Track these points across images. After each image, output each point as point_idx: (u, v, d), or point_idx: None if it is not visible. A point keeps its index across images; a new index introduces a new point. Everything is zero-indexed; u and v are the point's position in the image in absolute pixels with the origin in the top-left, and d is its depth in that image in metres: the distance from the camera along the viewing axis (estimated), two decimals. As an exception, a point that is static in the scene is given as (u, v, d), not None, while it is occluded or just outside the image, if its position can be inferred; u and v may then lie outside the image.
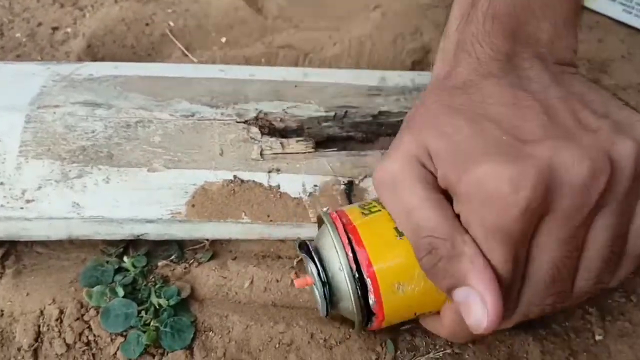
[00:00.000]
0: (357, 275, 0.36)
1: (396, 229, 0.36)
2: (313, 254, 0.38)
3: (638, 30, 0.69)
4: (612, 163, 0.31)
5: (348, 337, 0.44)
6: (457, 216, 0.33)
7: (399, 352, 0.44)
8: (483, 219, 0.31)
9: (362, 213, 0.39)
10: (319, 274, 0.38)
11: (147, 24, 0.68)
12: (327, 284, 0.38)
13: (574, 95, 0.35)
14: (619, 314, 0.47)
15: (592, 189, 0.31)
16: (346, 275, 0.36)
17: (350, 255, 0.36)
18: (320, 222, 0.41)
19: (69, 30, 0.68)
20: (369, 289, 0.36)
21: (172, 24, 0.68)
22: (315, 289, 0.39)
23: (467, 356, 0.44)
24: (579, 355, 0.45)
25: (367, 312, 0.38)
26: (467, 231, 0.33)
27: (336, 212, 0.40)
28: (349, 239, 0.37)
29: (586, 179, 0.30)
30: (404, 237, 0.36)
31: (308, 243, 0.40)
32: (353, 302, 0.37)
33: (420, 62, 0.66)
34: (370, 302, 0.37)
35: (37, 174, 0.48)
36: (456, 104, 0.35)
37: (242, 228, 0.48)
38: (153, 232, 0.48)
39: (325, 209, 0.42)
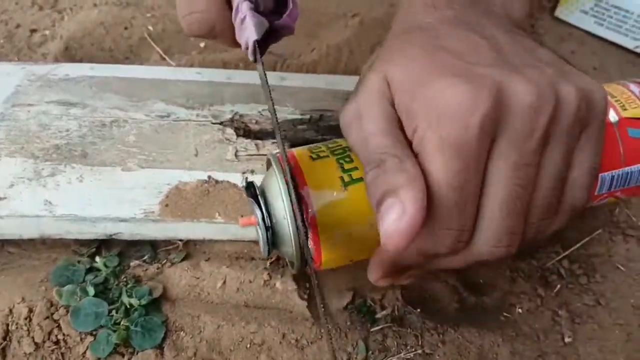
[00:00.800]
0: (300, 224, 0.36)
1: (342, 178, 0.37)
2: (259, 197, 0.38)
3: (610, 43, 0.71)
4: (557, 99, 0.32)
5: (320, 337, 0.44)
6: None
7: (370, 352, 0.44)
8: (437, 133, 0.32)
9: (311, 157, 0.39)
10: (263, 218, 0.37)
11: (125, 28, 0.68)
12: (270, 228, 0.38)
13: (523, 44, 0.37)
14: (588, 317, 0.48)
15: (540, 115, 0.32)
16: (289, 224, 0.36)
17: (295, 202, 0.36)
18: (268, 164, 0.41)
19: (47, 32, 0.68)
20: (308, 235, 0.37)
21: (151, 28, 0.68)
22: (259, 230, 0.39)
23: (437, 356, 0.44)
24: (549, 356, 0.46)
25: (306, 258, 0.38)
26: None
27: (285, 154, 0.39)
28: (295, 184, 0.37)
29: (534, 103, 0.32)
30: (349, 187, 0.37)
31: (255, 185, 0.39)
32: (294, 249, 0.37)
33: (397, 70, 0.66)
34: (310, 247, 0.37)
35: (9, 172, 0.47)
36: (414, 38, 0.37)
37: (216, 228, 0.48)
38: (126, 231, 0.48)
39: (274, 152, 0.41)
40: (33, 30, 0.68)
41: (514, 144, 0.32)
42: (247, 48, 0.39)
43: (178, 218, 0.48)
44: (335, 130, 0.55)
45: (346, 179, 0.37)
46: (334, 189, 0.37)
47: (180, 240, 0.51)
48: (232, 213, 0.48)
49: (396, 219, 0.31)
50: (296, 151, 0.39)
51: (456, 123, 0.31)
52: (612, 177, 0.41)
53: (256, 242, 0.51)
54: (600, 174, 0.41)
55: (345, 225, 0.37)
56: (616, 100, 0.42)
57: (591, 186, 0.36)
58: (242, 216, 0.41)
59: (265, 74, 0.39)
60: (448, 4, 0.39)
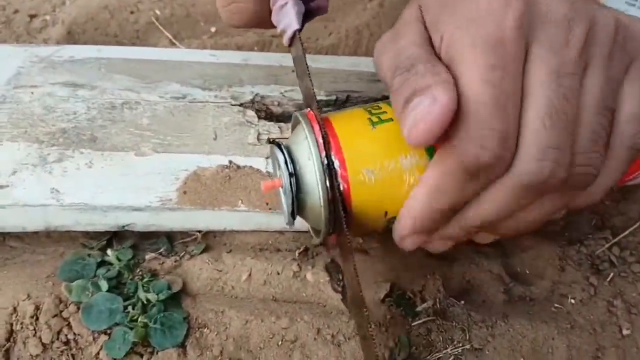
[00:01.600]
0: (325, 161, 0.33)
1: (370, 119, 0.35)
2: (282, 147, 0.35)
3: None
4: (593, 19, 0.32)
5: (357, 332, 0.40)
6: None
7: (414, 348, 0.40)
8: (469, 33, 0.31)
9: (337, 111, 0.37)
10: (286, 163, 0.34)
11: (131, 12, 0.64)
12: (295, 175, 0.34)
13: None
14: (645, 307, 0.44)
15: (575, 26, 0.31)
16: (315, 162, 0.33)
17: (321, 141, 0.34)
18: (294, 124, 0.38)
19: (47, 17, 0.64)
20: (337, 174, 0.34)
21: (158, 12, 0.64)
22: (282, 193, 0.36)
23: (487, 352, 0.40)
24: (608, 350, 0.42)
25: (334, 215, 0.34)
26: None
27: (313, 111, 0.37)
28: (321, 126, 0.34)
29: (568, 13, 0.31)
30: (377, 127, 0.34)
31: (280, 141, 0.37)
32: (320, 190, 0.33)
33: (420, 53, 0.63)
34: (340, 188, 0.34)
35: (12, 158, 0.43)
36: None
37: (239, 217, 0.44)
38: (140, 222, 0.44)
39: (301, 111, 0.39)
40: (32, 16, 0.64)
41: (553, 50, 0.31)
42: (283, 32, 0.39)
43: (197, 206, 0.44)
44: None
45: (374, 119, 0.35)
46: (362, 129, 0.35)
47: (199, 231, 0.47)
48: (255, 201, 0.44)
49: (425, 108, 0.29)
50: (327, 113, 0.37)
51: (489, 22, 0.30)
52: None
53: (281, 233, 0.47)
54: None
55: (376, 165, 0.34)
56: None
57: None
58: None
59: (305, 59, 0.38)
60: None
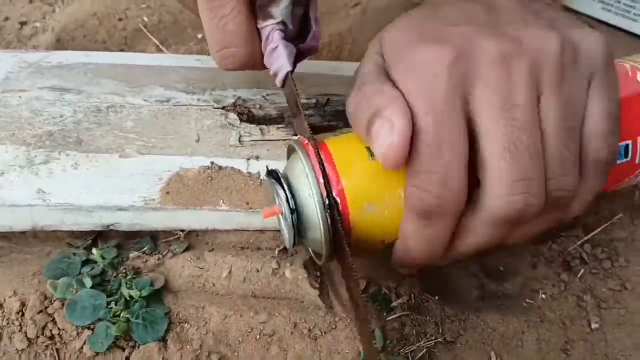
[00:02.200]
0: (327, 201, 0.34)
1: (368, 149, 0.36)
2: (282, 180, 0.36)
3: (618, 29, 0.69)
4: (532, 47, 0.33)
5: (334, 327, 0.42)
6: None
7: (388, 341, 0.42)
8: (413, 85, 0.33)
9: (334, 135, 0.38)
10: (287, 200, 0.35)
11: (120, 19, 0.66)
12: (296, 210, 0.36)
13: (529, 8, 0.37)
14: (615, 302, 0.46)
15: (510, 61, 0.32)
16: (316, 201, 0.34)
17: (322, 180, 0.35)
18: (290, 152, 0.39)
19: (37, 25, 0.65)
20: (338, 206, 0.35)
21: (146, 19, 0.66)
22: (282, 220, 0.37)
23: (459, 345, 0.42)
24: (576, 343, 0.43)
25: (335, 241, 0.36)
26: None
27: (307, 139, 0.38)
28: (320, 162, 0.35)
29: (500, 52, 0.32)
30: (377, 158, 0.34)
31: (277, 170, 0.38)
32: (322, 230, 0.34)
33: (402, 58, 0.64)
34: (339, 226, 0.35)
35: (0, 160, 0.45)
36: (413, 12, 0.38)
37: (221, 217, 0.46)
38: (124, 221, 0.45)
39: (296, 138, 0.40)
40: (23, 23, 0.65)
41: (496, 87, 0.32)
42: (275, 75, 0.40)
43: (180, 206, 0.45)
44: (342, 116, 0.53)
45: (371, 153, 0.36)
46: (361, 161, 0.35)
47: (182, 230, 0.48)
48: (237, 201, 0.46)
49: (388, 135, 0.31)
50: (318, 137, 0.38)
51: (425, 73, 0.32)
52: None
53: (262, 232, 0.48)
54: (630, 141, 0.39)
55: (376, 199, 0.35)
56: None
57: (612, 133, 0.34)
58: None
59: (299, 99, 0.39)
60: None
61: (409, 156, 0.32)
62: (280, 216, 0.37)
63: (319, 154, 0.35)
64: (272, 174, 0.37)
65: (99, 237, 0.48)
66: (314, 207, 0.34)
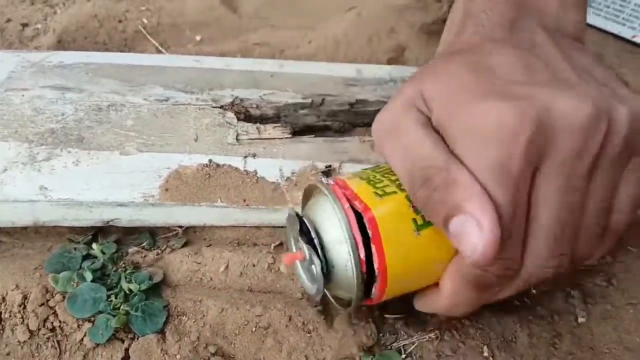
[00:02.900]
0: (363, 271, 0.34)
1: (414, 220, 0.34)
2: (308, 225, 0.35)
3: (607, 33, 0.70)
4: (609, 120, 0.30)
5: (328, 320, 0.43)
6: None
7: (381, 334, 0.43)
8: (481, 156, 0.30)
9: (376, 194, 0.34)
10: (321, 265, 0.34)
11: (120, 21, 0.67)
12: (325, 260, 0.35)
13: (578, 61, 0.34)
14: (601, 297, 0.47)
15: (591, 137, 0.30)
16: (354, 274, 0.33)
17: (358, 235, 0.33)
18: (310, 193, 0.38)
19: (39, 26, 0.67)
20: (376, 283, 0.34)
21: (145, 21, 0.67)
22: (304, 266, 0.37)
23: (453, 341, 0.43)
24: (564, 337, 0.44)
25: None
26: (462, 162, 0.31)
27: (336, 183, 0.36)
28: (358, 220, 0.34)
29: (585, 123, 0.30)
30: (421, 232, 0.34)
31: (304, 221, 0.36)
32: (355, 298, 0.34)
33: (396, 61, 0.66)
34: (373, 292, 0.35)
35: (2, 156, 0.46)
36: (456, 56, 0.35)
37: (218, 213, 0.47)
38: (124, 217, 0.47)
39: (323, 179, 0.38)
40: (24, 24, 0.67)
41: (561, 169, 0.31)
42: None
43: (178, 202, 0.46)
44: (336, 115, 0.54)
45: (419, 221, 0.34)
46: (407, 235, 0.34)
47: (180, 226, 0.49)
48: (234, 197, 0.47)
49: (477, 236, 0.29)
50: (351, 182, 0.36)
51: (498, 148, 0.30)
52: None
53: (259, 229, 0.49)
54: None
55: (414, 273, 0.35)
56: None
57: (635, 213, 0.35)
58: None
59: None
60: (498, 23, 0.36)
61: None
62: (300, 263, 0.37)
63: (349, 199, 0.34)
64: (297, 218, 0.36)
65: (99, 232, 0.49)
66: (346, 252, 0.33)
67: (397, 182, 0.35)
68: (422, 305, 0.39)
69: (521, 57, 0.33)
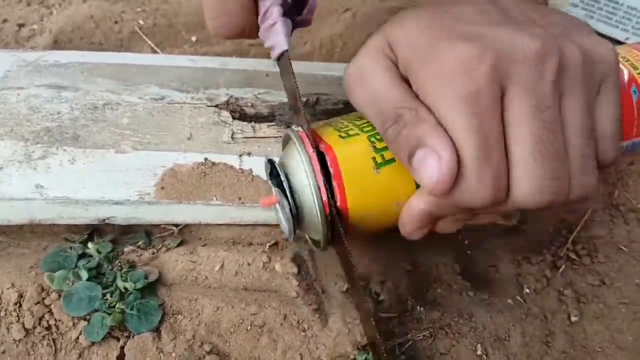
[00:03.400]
0: (325, 190, 0.35)
1: (374, 159, 0.36)
2: (279, 169, 0.37)
3: (599, 35, 0.71)
4: (561, 51, 0.33)
5: (322, 318, 0.43)
6: None
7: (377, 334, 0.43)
8: (447, 92, 0.32)
9: (340, 136, 0.37)
10: (285, 188, 0.37)
11: (115, 22, 0.67)
12: (293, 198, 0.37)
13: (534, 9, 0.37)
14: (594, 296, 0.47)
15: (546, 62, 0.33)
16: (312, 188, 0.35)
17: (318, 169, 0.35)
18: (286, 141, 0.40)
19: (35, 27, 0.67)
20: (337, 206, 0.36)
21: (141, 22, 0.67)
22: (280, 209, 0.38)
23: (447, 339, 0.43)
24: (557, 336, 0.45)
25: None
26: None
27: (305, 131, 0.38)
28: (316, 150, 0.36)
29: (539, 51, 0.32)
30: (381, 169, 0.36)
31: (274, 161, 0.39)
32: (318, 213, 0.36)
33: (391, 62, 0.66)
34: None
35: (-2, 155, 0.46)
36: (420, 8, 0.37)
37: (213, 211, 0.47)
38: (119, 215, 0.47)
39: (294, 127, 0.40)
40: (21, 25, 0.67)
41: (528, 89, 0.32)
42: (271, 49, 0.39)
43: (174, 200, 0.46)
44: (331, 114, 0.54)
45: (378, 159, 0.36)
46: (367, 171, 0.36)
47: (176, 225, 0.49)
48: (229, 196, 0.47)
49: (435, 167, 0.31)
50: (320, 129, 0.38)
51: (464, 77, 0.32)
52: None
53: (254, 228, 0.50)
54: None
55: (375, 205, 0.37)
56: (627, 61, 0.42)
57: (618, 136, 0.36)
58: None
59: (294, 75, 0.39)
60: None
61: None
62: (278, 206, 0.38)
63: (316, 144, 0.36)
64: (270, 164, 0.39)
65: (94, 232, 0.49)
66: (310, 195, 0.36)
67: (361, 126, 0.38)
68: (402, 219, 0.38)
69: (480, 5, 0.36)
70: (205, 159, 0.48)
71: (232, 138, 0.49)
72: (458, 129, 0.32)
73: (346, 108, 0.54)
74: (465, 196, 0.32)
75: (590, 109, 0.35)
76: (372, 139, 0.37)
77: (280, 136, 0.50)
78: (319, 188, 0.35)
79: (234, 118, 0.50)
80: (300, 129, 0.38)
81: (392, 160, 0.36)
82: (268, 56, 0.65)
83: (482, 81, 0.32)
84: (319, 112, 0.54)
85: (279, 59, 0.40)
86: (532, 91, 0.32)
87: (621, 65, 0.43)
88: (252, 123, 0.50)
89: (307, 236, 0.42)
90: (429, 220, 0.36)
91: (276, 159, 0.39)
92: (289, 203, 0.37)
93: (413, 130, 0.33)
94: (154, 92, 0.51)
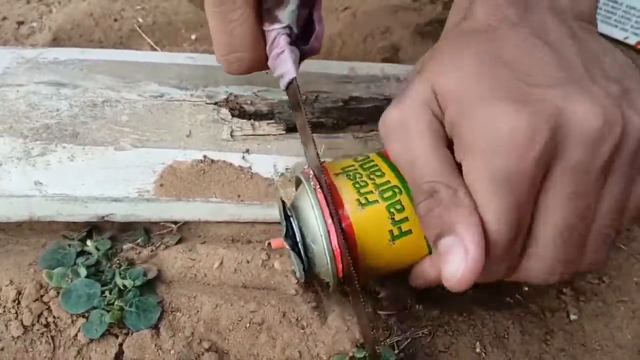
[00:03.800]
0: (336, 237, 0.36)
1: (391, 232, 0.36)
2: (290, 213, 0.38)
3: (600, 35, 0.71)
4: (622, 132, 0.30)
5: (321, 316, 0.43)
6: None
7: (374, 331, 0.43)
8: (490, 163, 0.30)
9: (359, 201, 0.37)
10: (294, 233, 0.38)
11: (115, 20, 0.67)
12: (303, 243, 0.38)
13: (589, 51, 0.34)
14: (593, 294, 0.47)
15: (605, 142, 0.30)
16: (322, 235, 0.36)
17: (329, 215, 0.36)
18: (298, 184, 0.40)
19: (34, 24, 0.67)
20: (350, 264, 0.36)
21: (141, 20, 0.67)
22: (292, 252, 0.38)
23: (446, 337, 0.43)
24: (556, 333, 0.45)
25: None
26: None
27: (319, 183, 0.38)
28: (327, 195, 0.36)
29: (599, 128, 0.29)
30: (397, 241, 0.36)
31: (286, 204, 0.39)
32: (328, 257, 0.36)
33: (390, 60, 0.66)
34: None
35: (-3, 152, 0.46)
36: (469, 45, 0.34)
37: (212, 208, 0.47)
38: (119, 212, 0.47)
39: (310, 175, 0.39)
40: (20, 22, 0.67)
41: (572, 174, 0.30)
42: (279, 77, 0.40)
43: (173, 197, 0.46)
44: (330, 112, 0.54)
45: (395, 232, 0.36)
46: (382, 242, 0.36)
47: (175, 222, 0.49)
48: (228, 193, 0.47)
49: (459, 262, 0.30)
50: (337, 180, 0.38)
51: (510, 155, 0.29)
52: None
53: (253, 226, 0.50)
54: None
55: (386, 270, 0.39)
56: None
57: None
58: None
59: (302, 103, 0.40)
60: (511, 2, 0.35)
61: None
62: (290, 248, 0.39)
63: (327, 189, 0.37)
64: (283, 207, 0.39)
65: (93, 229, 0.49)
66: (320, 240, 0.36)
67: (382, 191, 0.37)
68: (415, 277, 0.39)
69: (534, 46, 0.33)
70: (205, 156, 0.48)
71: (232, 135, 0.49)
72: (492, 211, 0.30)
73: (345, 106, 0.54)
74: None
75: (631, 184, 0.32)
76: (392, 209, 0.36)
77: (280, 134, 0.50)
78: (334, 255, 0.36)
79: (233, 116, 0.51)
80: (316, 180, 0.38)
81: (409, 232, 0.36)
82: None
83: (530, 164, 0.29)
84: (318, 109, 0.54)
85: (287, 87, 0.40)
86: (576, 176, 0.30)
87: None
88: (252, 121, 0.50)
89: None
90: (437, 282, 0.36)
91: (288, 202, 0.40)
92: (303, 262, 0.38)
93: (446, 213, 0.31)
94: (153, 89, 0.51)
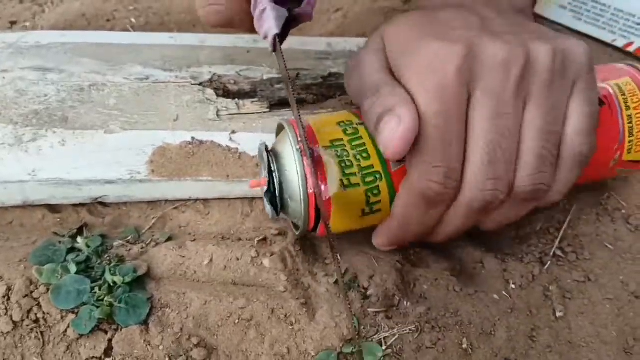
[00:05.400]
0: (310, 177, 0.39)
1: (363, 210, 0.41)
2: (270, 154, 0.41)
3: (587, 37, 0.72)
4: (529, 56, 0.36)
5: (310, 313, 0.43)
6: None
7: (362, 327, 0.43)
8: (421, 82, 0.36)
9: (342, 182, 0.40)
10: (272, 171, 0.40)
11: (108, 20, 0.67)
12: (280, 182, 0.40)
13: (514, 21, 0.41)
14: (579, 292, 0.48)
15: (511, 68, 0.36)
16: (299, 175, 0.39)
17: (307, 158, 0.38)
18: (280, 130, 0.43)
19: (27, 24, 0.67)
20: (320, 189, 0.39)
21: (133, 20, 0.68)
22: (267, 191, 0.41)
23: (433, 333, 0.43)
24: (542, 331, 0.45)
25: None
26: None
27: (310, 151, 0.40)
28: (307, 145, 0.39)
29: (504, 57, 0.36)
30: (366, 217, 0.42)
31: (266, 145, 0.42)
32: (302, 198, 0.39)
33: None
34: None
35: (-11, 139, 0.47)
36: (414, 13, 0.42)
37: (203, 187, 0.49)
38: (112, 194, 0.48)
39: (286, 118, 0.43)
40: (13, 22, 0.67)
41: (490, 94, 0.36)
42: (266, 38, 0.40)
43: (164, 178, 0.48)
44: (310, 89, 0.57)
45: (367, 210, 0.41)
46: (353, 216, 0.41)
47: (167, 201, 0.51)
48: (217, 172, 0.49)
49: (394, 128, 0.35)
50: (326, 158, 0.40)
51: (435, 71, 0.36)
52: None
53: (243, 223, 0.50)
54: None
55: (351, 231, 0.43)
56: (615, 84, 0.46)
57: (592, 130, 0.38)
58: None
59: (285, 65, 0.40)
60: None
61: (418, 149, 0.36)
62: (265, 188, 0.41)
63: (306, 139, 0.39)
64: (263, 147, 0.41)
65: (83, 226, 0.49)
66: (296, 180, 0.38)
67: (365, 172, 0.40)
68: (378, 235, 0.44)
69: (465, 15, 0.40)
70: (193, 137, 0.49)
71: (218, 115, 0.51)
72: (426, 111, 0.35)
73: (325, 82, 0.57)
74: (420, 180, 0.37)
75: (561, 108, 0.38)
76: (369, 194, 0.40)
77: (264, 112, 0.52)
78: (308, 204, 0.39)
79: (218, 96, 0.52)
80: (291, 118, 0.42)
81: (379, 210, 0.41)
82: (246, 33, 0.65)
83: (450, 78, 0.35)
84: (299, 86, 0.56)
85: (274, 48, 0.40)
86: (494, 97, 0.36)
87: (606, 85, 0.45)
88: (236, 100, 0.52)
89: (290, 222, 0.45)
90: (398, 238, 0.43)
91: (269, 144, 0.42)
92: (277, 192, 0.40)
93: (386, 100, 0.37)
94: (138, 71, 0.52)
